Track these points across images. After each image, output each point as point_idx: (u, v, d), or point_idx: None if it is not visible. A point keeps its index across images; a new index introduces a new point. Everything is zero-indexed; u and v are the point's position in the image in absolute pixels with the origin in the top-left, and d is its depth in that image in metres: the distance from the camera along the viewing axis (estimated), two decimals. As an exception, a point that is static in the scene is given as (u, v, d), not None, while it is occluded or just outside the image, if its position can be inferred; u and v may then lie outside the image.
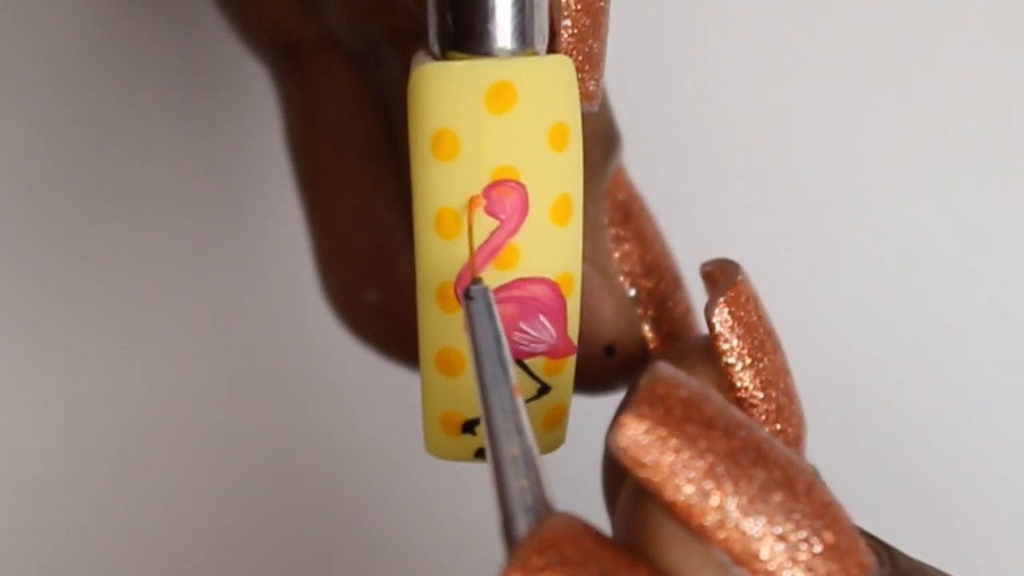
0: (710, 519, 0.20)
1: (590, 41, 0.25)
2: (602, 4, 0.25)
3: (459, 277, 0.24)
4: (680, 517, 0.20)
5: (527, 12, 0.23)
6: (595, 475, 0.26)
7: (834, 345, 0.39)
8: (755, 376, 0.24)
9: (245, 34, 0.30)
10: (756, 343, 0.24)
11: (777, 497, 0.20)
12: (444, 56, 0.23)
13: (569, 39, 0.24)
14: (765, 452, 0.21)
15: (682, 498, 0.20)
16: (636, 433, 0.20)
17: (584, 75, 0.25)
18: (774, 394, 0.25)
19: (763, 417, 0.24)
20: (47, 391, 0.38)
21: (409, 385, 0.27)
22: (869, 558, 0.21)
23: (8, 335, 0.37)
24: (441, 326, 0.24)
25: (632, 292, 0.28)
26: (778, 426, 0.24)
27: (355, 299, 0.30)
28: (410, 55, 0.24)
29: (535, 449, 0.21)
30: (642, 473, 0.20)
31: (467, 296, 0.23)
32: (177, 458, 0.39)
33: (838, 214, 0.39)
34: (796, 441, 0.25)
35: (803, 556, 0.20)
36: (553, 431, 0.25)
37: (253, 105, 0.36)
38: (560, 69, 0.23)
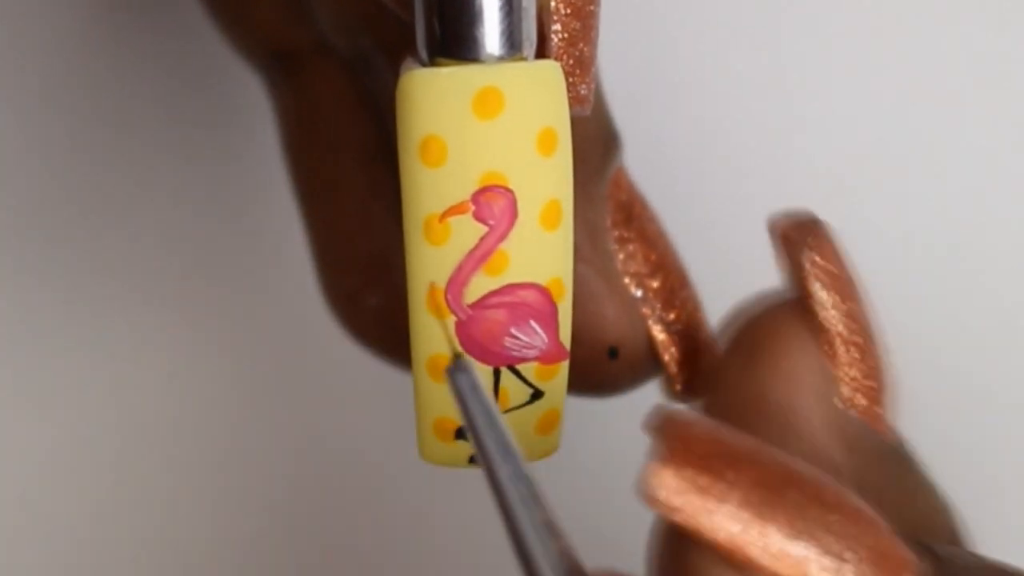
0: (755, 551, 0.20)
1: (580, 45, 0.24)
2: (592, 8, 0.24)
3: (449, 283, 0.24)
4: (723, 554, 0.20)
5: (515, 17, 0.23)
6: (589, 481, 0.26)
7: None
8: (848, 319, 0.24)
9: (238, 42, 0.30)
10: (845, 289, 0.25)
11: (813, 513, 0.20)
12: (432, 62, 0.23)
13: (559, 43, 0.24)
14: (791, 470, 0.20)
15: (723, 535, 0.20)
16: (662, 480, 0.20)
17: (575, 79, 0.24)
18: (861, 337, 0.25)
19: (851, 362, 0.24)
20: (49, 394, 0.38)
21: (408, 391, 0.27)
22: (908, 554, 0.21)
23: (9, 338, 0.38)
24: (431, 332, 0.24)
25: (639, 293, 0.28)
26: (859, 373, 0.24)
27: (356, 304, 0.29)
28: (401, 64, 0.24)
29: (555, 518, 0.20)
30: (678, 517, 0.20)
31: (451, 373, 0.22)
32: (175, 463, 0.39)
33: (842, 212, 0.38)
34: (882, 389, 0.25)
35: (850, 568, 0.20)
36: (546, 436, 0.25)
37: (250, 111, 0.36)
38: (548, 74, 0.23)
